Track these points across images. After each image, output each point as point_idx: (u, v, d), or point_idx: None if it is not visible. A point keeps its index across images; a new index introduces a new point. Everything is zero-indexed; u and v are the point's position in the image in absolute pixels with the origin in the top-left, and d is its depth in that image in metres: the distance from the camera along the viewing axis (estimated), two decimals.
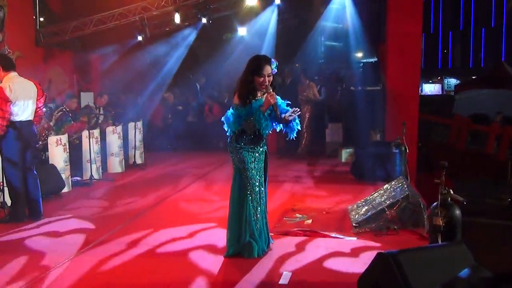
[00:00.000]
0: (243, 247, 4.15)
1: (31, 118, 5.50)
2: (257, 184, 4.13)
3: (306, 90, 10.16)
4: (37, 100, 5.54)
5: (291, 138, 4.26)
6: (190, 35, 12.52)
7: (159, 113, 11.87)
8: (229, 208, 4.24)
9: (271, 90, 4.00)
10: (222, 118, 4.14)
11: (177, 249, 4.49)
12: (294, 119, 4.13)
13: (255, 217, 4.13)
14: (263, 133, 4.12)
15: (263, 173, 4.20)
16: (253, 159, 4.10)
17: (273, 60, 4.05)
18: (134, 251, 4.44)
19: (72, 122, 8.05)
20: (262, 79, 3.97)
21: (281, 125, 4.19)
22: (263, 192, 4.22)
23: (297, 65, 13.11)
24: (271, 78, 4.02)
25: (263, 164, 4.21)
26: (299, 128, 4.26)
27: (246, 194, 4.11)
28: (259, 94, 4.08)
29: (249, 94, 4.00)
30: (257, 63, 3.99)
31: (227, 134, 4.19)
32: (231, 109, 4.07)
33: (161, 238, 4.78)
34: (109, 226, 5.20)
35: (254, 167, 4.11)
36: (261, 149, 4.17)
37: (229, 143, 4.17)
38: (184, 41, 12.57)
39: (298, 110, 4.10)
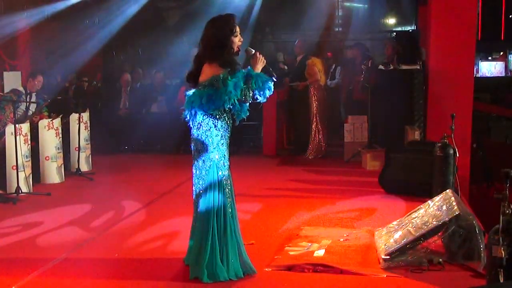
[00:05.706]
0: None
1: None
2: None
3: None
4: None
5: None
6: None
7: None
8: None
9: (252, 49, 4.48)
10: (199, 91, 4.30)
11: None
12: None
13: None
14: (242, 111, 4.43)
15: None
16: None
17: None
18: None
19: None
20: (238, 38, 4.46)
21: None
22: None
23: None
24: None
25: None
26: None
27: None
28: None
29: (234, 60, 4.43)
30: (232, 21, 4.45)
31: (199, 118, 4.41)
32: (228, 78, 4.27)
33: None
34: (37, 263, 5.09)
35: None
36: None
37: (202, 133, 4.40)
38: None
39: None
